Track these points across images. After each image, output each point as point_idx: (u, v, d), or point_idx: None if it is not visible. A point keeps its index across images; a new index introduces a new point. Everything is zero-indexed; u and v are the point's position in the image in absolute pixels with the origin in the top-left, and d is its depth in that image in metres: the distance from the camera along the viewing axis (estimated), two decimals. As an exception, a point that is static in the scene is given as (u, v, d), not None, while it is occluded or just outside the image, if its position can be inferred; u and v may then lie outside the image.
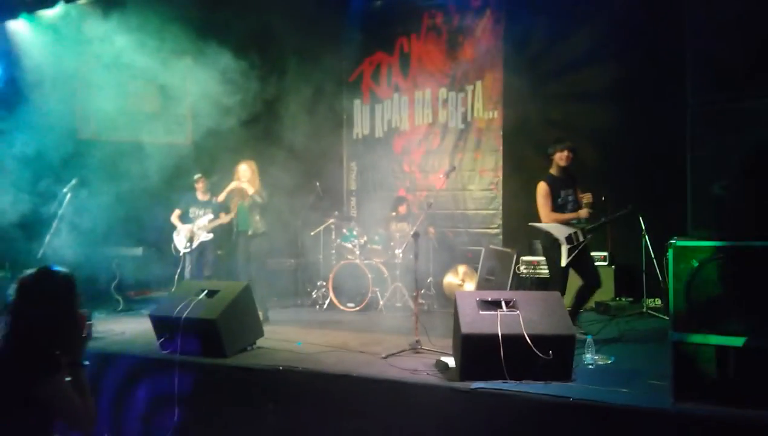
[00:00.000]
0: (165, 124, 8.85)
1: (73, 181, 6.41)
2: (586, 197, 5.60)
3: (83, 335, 2.77)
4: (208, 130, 7.83)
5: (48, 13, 7.11)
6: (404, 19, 9.16)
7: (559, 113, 7.69)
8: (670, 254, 3.42)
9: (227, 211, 7.44)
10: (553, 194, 5.62)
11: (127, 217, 7.78)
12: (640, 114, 7.49)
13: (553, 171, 5.74)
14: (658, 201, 7.19)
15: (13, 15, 6.84)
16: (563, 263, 5.44)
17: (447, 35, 8.94)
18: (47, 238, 6.15)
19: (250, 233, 6.91)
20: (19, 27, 7.38)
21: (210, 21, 7.61)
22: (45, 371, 2.45)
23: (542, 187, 5.63)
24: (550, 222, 5.60)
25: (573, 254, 5.46)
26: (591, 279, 5.60)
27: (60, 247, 6.50)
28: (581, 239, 5.52)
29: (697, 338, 3.40)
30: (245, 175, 6.93)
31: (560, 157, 5.67)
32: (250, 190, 6.86)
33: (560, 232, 5.53)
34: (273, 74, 8.18)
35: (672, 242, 3.43)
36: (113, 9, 7.14)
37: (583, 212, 5.57)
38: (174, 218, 7.57)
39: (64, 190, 6.32)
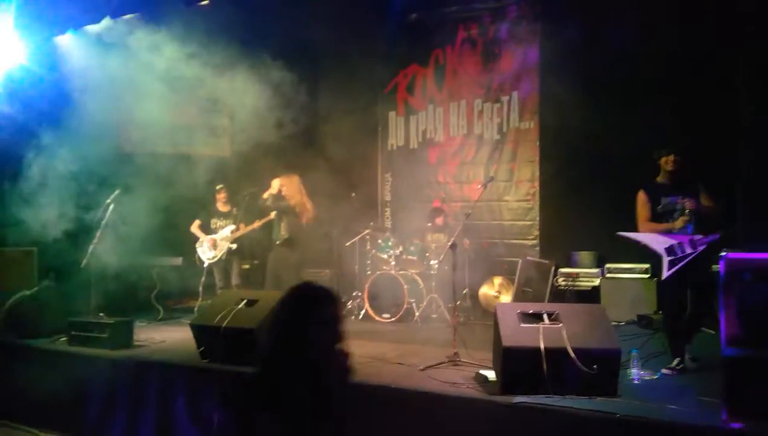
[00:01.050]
0: (205, 136, 9.01)
1: (116, 192, 6.55)
2: (689, 203, 4.99)
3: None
4: (248, 142, 7.94)
5: (94, 28, 7.30)
6: (439, 32, 9.17)
7: (598, 123, 7.57)
8: (721, 266, 3.31)
9: (247, 222, 7.56)
10: (652, 202, 5.17)
11: (167, 227, 7.92)
12: (684, 123, 7.34)
13: (659, 178, 5.29)
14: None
15: (61, 31, 7.04)
16: (663, 275, 4.95)
17: (482, 46, 8.91)
18: (91, 247, 6.29)
19: (278, 242, 7.07)
20: (65, 42, 7.60)
21: (250, 34, 7.72)
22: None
23: (639, 195, 5.26)
24: (644, 232, 5.19)
25: (677, 268, 4.85)
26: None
27: (103, 256, 6.64)
28: (688, 250, 4.86)
29: (751, 355, 3.29)
30: (278, 188, 7.13)
31: (665, 162, 5.20)
32: (308, 203, 7.11)
33: (658, 243, 5.02)
34: (310, 86, 8.27)
35: (723, 254, 3.33)
36: (157, 23, 7.31)
37: (678, 223, 5.00)
38: (194, 228, 7.69)
39: (107, 200, 6.45)
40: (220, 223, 7.71)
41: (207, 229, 7.76)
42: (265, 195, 7.31)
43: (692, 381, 4.39)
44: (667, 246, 4.97)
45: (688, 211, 4.97)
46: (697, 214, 4.98)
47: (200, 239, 7.69)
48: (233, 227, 7.54)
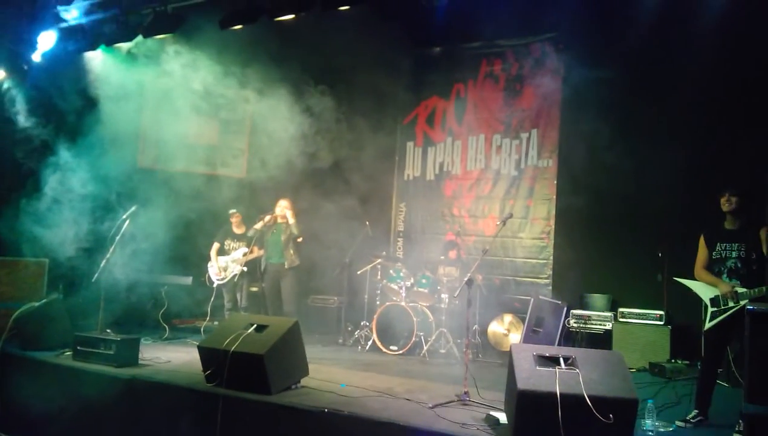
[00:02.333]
0: (222, 156, 9.06)
1: (132, 208, 6.55)
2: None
3: None
4: (263, 165, 7.96)
5: (124, 46, 7.41)
6: (462, 66, 9.23)
7: (618, 163, 7.53)
8: (747, 320, 3.23)
9: (261, 244, 7.54)
10: (709, 247, 4.95)
11: (179, 245, 7.92)
12: (705, 167, 7.30)
13: (725, 222, 5.00)
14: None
15: (93, 47, 7.15)
16: (705, 326, 4.85)
17: (504, 82, 8.95)
18: (103, 262, 6.27)
19: (286, 265, 7.02)
20: (94, 57, 7.71)
21: (276, 61, 7.81)
22: None
23: (700, 239, 5.06)
24: (696, 279, 5.03)
25: (719, 320, 4.75)
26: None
27: (114, 271, 6.62)
28: (729, 303, 4.72)
29: (775, 413, 3.18)
30: (282, 210, 7.12)
31: (722, 202, 4.90)
32: (291, 220, 7.02)
33: (704, 291, 4.90)
34: (329, 113, 8.31)
35: (750, 307, 3.25)
36: (185, 45, 7.42)
37: (722, 287, 4.77)
38: (213, 251, 7.67)
39: (123, 216, 6.45)
40: (233, 244, 7.71)
41: (221, 250, 7.75)
42: (279, 218, 7.28)
43: (707, 435, 4.25)
44: (712, 296, 4.85)
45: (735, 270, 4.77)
46: (747, 265, 4.71)
47: (211, 260, 7.68)
48: (246, 249, 7.52)
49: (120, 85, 7.67)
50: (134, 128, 8.42)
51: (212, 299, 7.58)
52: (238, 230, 7.78)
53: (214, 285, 7.64)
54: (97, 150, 7.63)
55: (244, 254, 7.49)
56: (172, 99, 7.86)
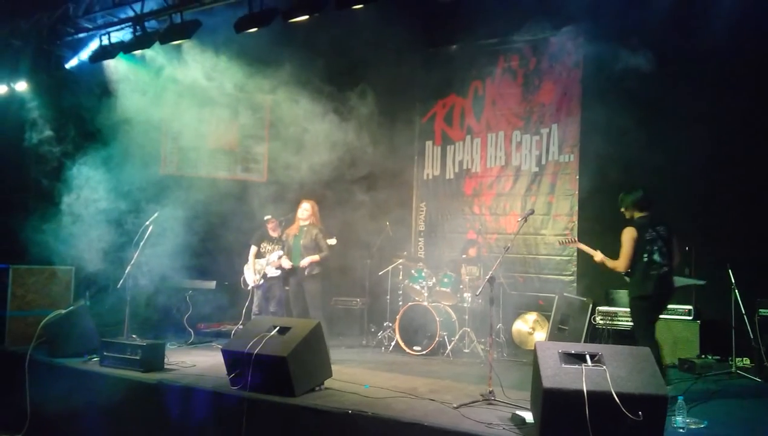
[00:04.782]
0: (243, 161, 9.11)
1: (155, 215, 6.60)
2: None
3: None
4: (285, 169, 7.98)
5: (142, 53, 7.49)
6: (479, 63, 9.16)
7: (641, 157, 7.41)
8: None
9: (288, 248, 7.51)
10: None
11: (202, 251, 7.98)
12: (730, 159, 7.15)
13: None
14: (749, 252, 6.79)
15: (111, 55, 7.24)
16: None
17: (522, 78, 8.87)
18: (128, 268, 6.33)
19: (306, 272, 6.95)
20: (114, 66, 7.82)
21: (293, 63, 7.83)
22: None
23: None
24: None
25: None
26: None
27: (139, 277, 6.69)
28: None
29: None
30: (305, 213, 7.06)
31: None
32: (304, 216, 6.98)
33: None
34: (347, 114, 8.31)
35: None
36: (202, 50, 7.47)
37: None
38: (251, 254, 7.65)
39: (146, 222, 6.51)
40: (269, 247, 7.69)
41: (258, 253, 7.73)
42: (303, 216, 7.20)
43: (741, 433, 4.16)
44: None
45: None
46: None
47: (248, 263, 7.66)
48: (281, 252, 7.49)
49: (140, 92, 7.76)
50: (156, 135, 8.51)
51: (247, 302, 7.60)
52: (273, 234, 7.78)
53: (249, 288, 7.63)
54: (119, 157, 7.73)
55: (280, 257, 7.48)
56: (191, 105, 7.92)
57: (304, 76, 7.94)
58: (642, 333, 5.21)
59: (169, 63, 7.68)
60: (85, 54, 7.84)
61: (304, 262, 6.94)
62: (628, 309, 7.36)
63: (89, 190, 7.41)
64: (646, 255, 5.17)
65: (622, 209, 5.47)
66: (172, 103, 8.03)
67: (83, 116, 7.84)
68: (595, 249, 5.58)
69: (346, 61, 8.62)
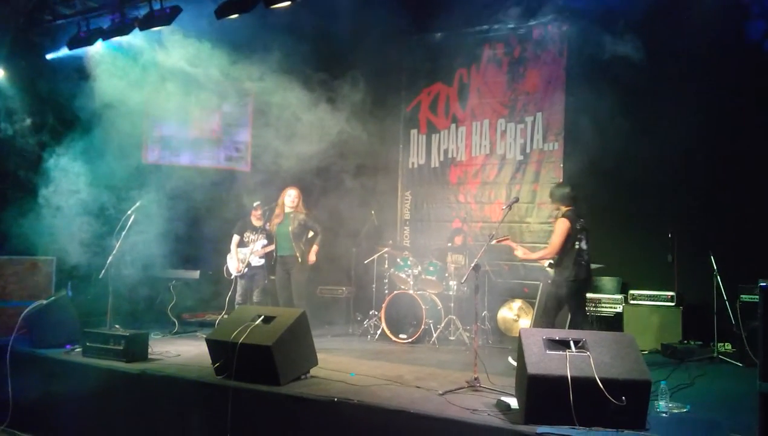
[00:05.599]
0: (226, 150, 9.02)
1: (137, 204, 6.52)
2: None
3: None
4: (268, 158, 7.91)
5: (122, 39, 7.36)
6: (464, 51, 9.12)
7: (625, 145, 7.45)
8: (761, 298, 3.17)
9: (272, 237, 7.48)
10: None
11: (186, 240, 7.90)
12: (712, 147, 7.21)
13: None
14: (731, 239, 6.87)
15: (90, 42, 7.11)
16: None
17: (507, 66, 8.86)
18: (109, 259, 6.26)
19: (299, 258, 6.95)
20: (94, 52, 7.68)
21: (274, 50, 7.74)
22: None
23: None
24: None
25: None
26: None
27: (121, 267, 6.62)
28: None
29: (791, 391, 3.13)
30: (294, 200, 7.03)
31: None
32: (290, 204, 7.01)
33: None
34: (331, 104, 8.25)
35: (763, 284, 3.19)
36: (185, 37, 7.36)
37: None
38: (233, 244, 7.61)
39: (128, 212, 6.43)
40: (253, 236, 7.64)
41: (240, 242, 7.68)
42: (290, 204, 7.16)
43: (723, 416, 4.20)
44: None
45: None
46: None
47: (231, 252, 7.61)
48: (265, 241, 7.45)
49: (120, 80, 7.63)
50: (137, 123, 8.39)
51: (230, 291, 7.56)
52: (257, 223, 7.73)
53: (233, 277, 7.59)
54: (101, 146, 7.61)
55: (263, 247, 7.44)
56: (173, 93, 7.80)
57: (288, 64, 7.85)
58: (582, 314, 5.85)
59: (150, 50, 7.56)
60: (63, 41, 7.68)
61: (312, 257, 7.08)
62: (611, 296, 7.57)
63: (70, 179, 7.29)
64: (577, 244, 5.71)
65: (552, 202, 6.11)
66: (153, 90, 7.91)
67: (63, 104, 7.70)
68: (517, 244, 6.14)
69: (330, 48, 8.54)
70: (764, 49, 6.79)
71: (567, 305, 5.80)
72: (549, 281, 5.94)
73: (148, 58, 7.60)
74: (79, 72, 7.74)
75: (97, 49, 7.56)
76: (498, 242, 6.04)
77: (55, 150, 7.42)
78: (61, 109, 7.72)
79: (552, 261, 5.79)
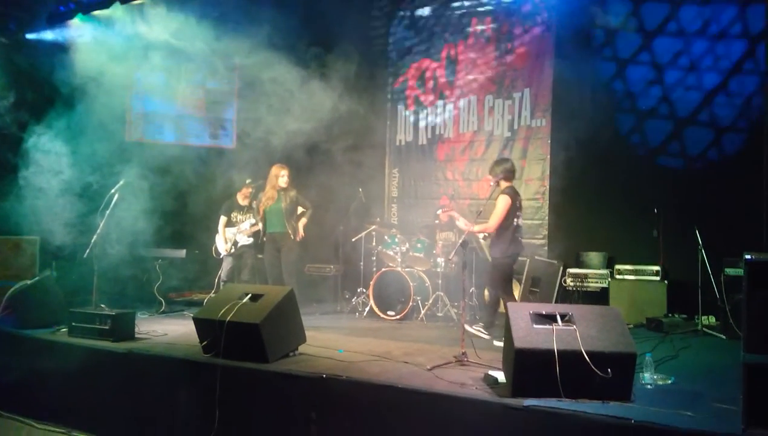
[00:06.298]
0: (212, 128, 8.91)
1: (121, 182, 6.45)
2: None
3: None
4: (253, 136, 7.83)
5: (102, 14, 7.20)
6: (452, 26, 9.04)
7: (612, 120, 7.46)
8: (745, 270, 3.19)
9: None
10: None
11: (171, 219, 7.83)
12: (697, 119, 7.24)
13: None
14: (716, 213, 6.92)
15: (70, 16, 6.94)
16: None
17: (495, 42, 8.78)
18: (94, 238, 6.19)
19: (291, 235, 6.95)
20: (73, 27, 7.51)
21: (259, 24, 7.61)
22: None
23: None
24: None
25: None
26: None
27: (106, 247, 6.55)
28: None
29: (774, 361, 3.16)
30: (284, 181, 7.00)
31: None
32: (283, 183, 7.05)
33: None
34: (317, 80, 8.15)
35: (748, 257, 3.20)
36: (167, 11, 7.21)
37: None
38: (221, 224, 7.58)
39: (112, 191, 6.35)
40: (240, 216, 7.61)
41: (228, 222, 7.65)
42: (283, 183, 7.12)
43: (707, 387, 4.27)
44: None
45: None
46: None
47: (219, 232, 7.58)
48: (253, 220, 7.41)
49: (102, 56, 7.47)
50: (120, 101, 8.24)
51: (220, 271, 7.54)
52: (244, 202, 7.68)
53: (221, 256, 7.58)
54: (83, 124, 7.48)
55: (252, 226, 7.40)
56: (156, 69, 7.67)
57: (274, 40, 7.72)
58: (509, 288, 6.08)
59: (132, 24, 7.40)
60: (43, 16, 7.50)
61: (301, 231, 7.12)
62: (597, 271, 7.62)
63: (53, 158, 7.16)
64: (515, 220, 5.95)
65: (491, 176, 6.14)
66: (136, 67, 7.77)
67: (43, 82, 7.54)
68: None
69: (317, 24, 8.41)
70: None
71: (499, 279, 5.99)
72: (489, 261, 6.03)
73: (130, 32, 7.45)
74: (60, 48, 7.57)
75: (78, 24, 7.39)
76: (444, 212, 6.18)
77: (37, 128, 7.27)
78: (42, 87, 7.56)
79: (487, 235, 5.97)
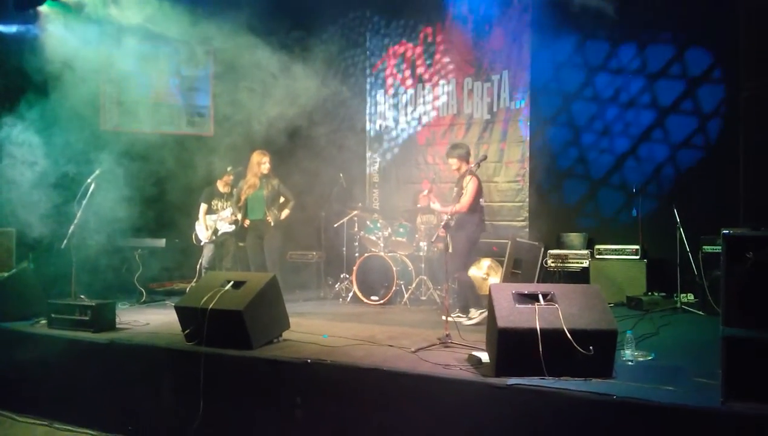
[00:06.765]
0: (188, 115, 8.79)
1: (97, 172, 6.34)
2: None
3: None
4: (231, 122, 7.75)
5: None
6: (429, 8, 8.98)
7: (589, 103, 7.49)
8: (723, 246, 3.24)
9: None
10: None
11: (150, 208, 7.74)
12: (676, 98, 7.30)
13: None
14: (694, 191, 7.02)
15: (38, 2, 6.75)
16: None
17: (473, 24, 8.74)
18: (71, 228, 6.09)
19: (272, 222, 6.91)
20: (42, 13, 7.32)
21: (234, 9, 7.50)
22: None
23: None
24: None
25: None
26: None
27: (84, 237, 6.46)
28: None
29: (751, 334, 3.22)
30: (266, 168, 6.94)
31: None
32: (265, 170, 6.97)
33: None
34: (296, 65, 8.06)
35: (726, 232, 3.25)
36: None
37: None
38: (201, 212, 7.52)
39: (88, 180, 6.24)
40: (220, 204, 7.54)
41: (209, 210, 7.58)
42: (265, 169, 7.05)
43: (686, 362, 4.34)
44: None
45: None
46: None
47: (200, 220, 7.51)
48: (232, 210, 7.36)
49: (74, 43, 7.30)
50: (93, 89, 8.07)
51: (201, 258, 7.50)
52: (225, 189, 7.61)
53: (202, 244, 7.52)
54: (56, 113, 7.32)
55: (233, 213, 7.34)
56: (130, 56, 7.51)
57: (250, 25, 7.62)
58: (467, 263, 6.35)
59: (104, 9, 7.23)
60: (9, 2, 7.30)
61: (284, 215, 7.13)
62: (578, 251, 7.69)
63: (27, 149, 7.01)
64: (482, 200, 6.15)
65: (450, 160, 6.25)
66: (109, 54, 7.60)
67: (13, 70, 7.35)
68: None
69: (293, 7, 8.31)
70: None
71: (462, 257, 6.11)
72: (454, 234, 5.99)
73: (102, 18, 7.28)
74: (29, 35, 7.38)
75: (46, 10, 7.20)
76: (424, 197, 6.23)
77: (8, 118, 7.11)
78: (12, 75, 7.38)
79: (450, 217, 5.90)
